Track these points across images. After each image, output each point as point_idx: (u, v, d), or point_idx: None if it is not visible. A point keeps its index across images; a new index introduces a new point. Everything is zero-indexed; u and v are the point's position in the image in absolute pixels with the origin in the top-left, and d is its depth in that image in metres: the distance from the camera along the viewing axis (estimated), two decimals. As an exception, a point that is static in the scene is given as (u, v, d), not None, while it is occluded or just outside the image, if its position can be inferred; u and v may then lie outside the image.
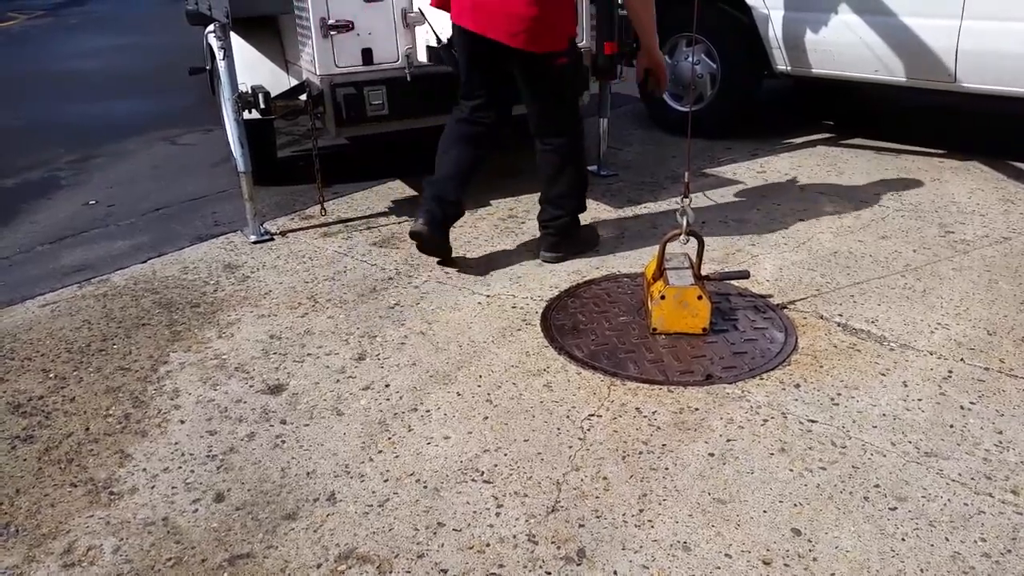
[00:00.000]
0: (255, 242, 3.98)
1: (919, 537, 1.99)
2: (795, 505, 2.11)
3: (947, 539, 1.98)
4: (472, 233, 4.00)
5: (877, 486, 2.17)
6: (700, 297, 2.88)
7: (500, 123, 3.60)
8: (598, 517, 2.10)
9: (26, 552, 2.06)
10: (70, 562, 2.03)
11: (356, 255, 3.79)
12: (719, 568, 1.93)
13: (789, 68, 4.99)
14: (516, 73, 3.41)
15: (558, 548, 2.00)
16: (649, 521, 2.08)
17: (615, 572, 1.93)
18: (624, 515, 2.10)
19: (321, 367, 2.85)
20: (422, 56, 3.87)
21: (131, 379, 2.83)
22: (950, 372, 2.68)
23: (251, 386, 2.76)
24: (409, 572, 1.95)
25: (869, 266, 3.46)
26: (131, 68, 9.38)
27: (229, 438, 2.48)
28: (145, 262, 3.82)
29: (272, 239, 4.02)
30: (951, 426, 2.40)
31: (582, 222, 3.76)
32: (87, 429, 2.56)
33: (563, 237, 3.64)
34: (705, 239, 3.03)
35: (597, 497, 2.17)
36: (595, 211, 4.22)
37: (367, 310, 3.25)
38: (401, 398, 2.65)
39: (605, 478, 2.24)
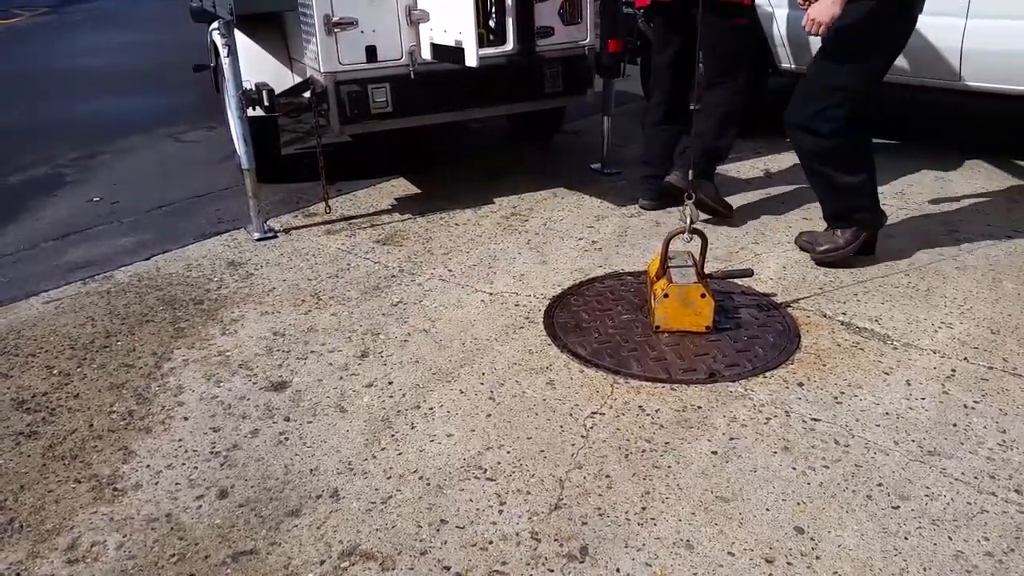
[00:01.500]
0: (259, 239, 3.98)
1: (922, 536, 1.99)
2: (798, 503, 2.11)
3: (950, 538, 1.98)
4: (475, 231, 4.00)
5: (880, 485, 2.17)
6: (703, 295, 2.88)
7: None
8: (601, 515, 2.10)
9: (30, 548, 2.07)
10: (74, 558, 2.03)
11: (359, 252, 3.80)
12: (722, 566, 1.93)
13: (793, 66, 4.98)
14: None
15: (561, 546, 2.01)
16: (652, 519, 2.08)
17: (618, 570, 1.93)
18: (627, 513, 2.10)
19: (324, 364, 2.86)
20: (426, 54, 3.87)
21: (135, 376, 2.83)
22: (953, 371, 2.67)
23: (254, 383, 2.76)
24: (412, 569, 1.96)
25: (872, 264, 3.45)
26: (135, 65, 9.40)
27: (232, 435, 2.49)
28: (149, 259, 3.83)
29: (276, 236, 4.03)
30: (954, 425, 2.40)
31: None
32: (91, 425, 2.56)
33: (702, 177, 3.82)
34: (708, 237, 3.03)
35: (600, 495, 2.17)
36: (599, 209, 4.22)
37: (370, 307, 3.26)
38: (404, 395, 2.65)
39: (608, 476, 2.24)
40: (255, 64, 4.29)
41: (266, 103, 3.95)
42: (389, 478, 2.27)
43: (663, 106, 4.10)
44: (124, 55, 10.24)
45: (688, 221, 2.92)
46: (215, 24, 4.18)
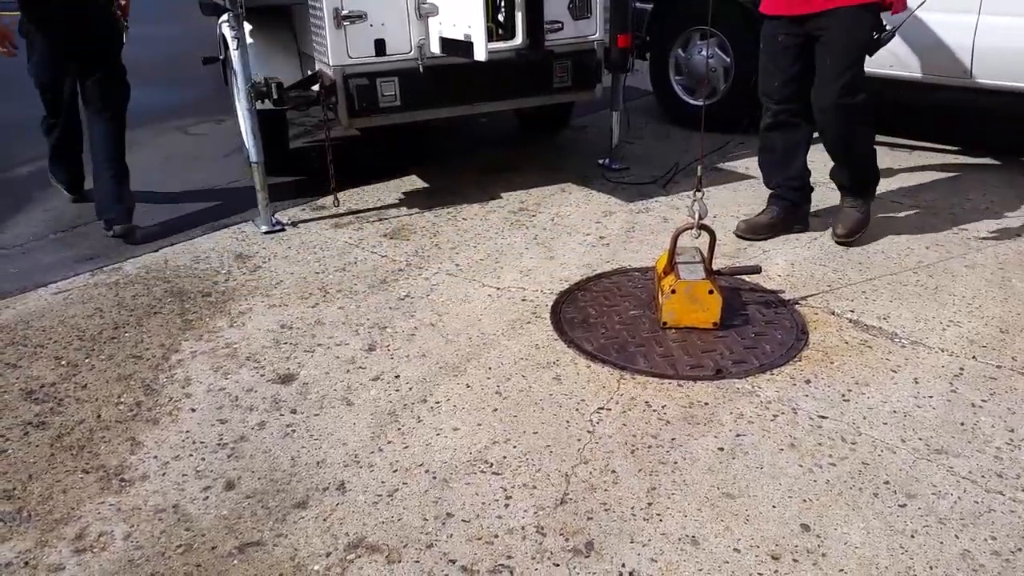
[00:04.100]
0: (266, 232, 3.99)
1: (929, 534, 1.99)
2: (804, 501, 2.11)
3: (957, 537, 1.98)
4: (482, 226, 4.00)
5: (887, 483, 2.16)
6: (711, 292, 2.87)
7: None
8: (607, 510, 2.10)
9: (38, 537, 2.08)
10: (82, 548, 2.04)
11: (367, 246, 3.80)
12: (727, 562, 1.93)
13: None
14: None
15: (566, 540, 2.01)
16: (658, 515, 2.08)
17: (623, 565, 1.93)
18: (632, 508, 2.10)
19: (331, 357, 2.86)
20: (435, 47, 3.86)
21: (143, 367, 2.84)
22: (961, 369, 2.66)
23: (262, 375, 2.77)
24: (418, 562, 1.96)
25: (881, 262, 3.44)
26: (143, 58, 9.36)
27: (240, 427, 2.50)
28: (157, 251, 3.83)
29: (283, 229, 4.04)
30: (962, 424, 2.39)
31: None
32: (99, 416, 2.57)
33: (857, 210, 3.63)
34: (717, 233, 3.02)
35: (606, 490, 2.17)
36: (607, 205, 4.22)
37: (377, 301, 3.26)
38: (411, 389, 2.66)
39: (614, 471, 2.24)
40: (264, 57, 4.30)
41: (275, 96, 3.95)
42: (395, 471, 2.27)
43: None
44: (132, 47, 10.15)
45: (696, 216, 2.92)
46: (225, 16, 4.18)
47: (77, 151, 4.44)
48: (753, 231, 3.75)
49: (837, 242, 3.61)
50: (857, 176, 3.61)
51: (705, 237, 2.95)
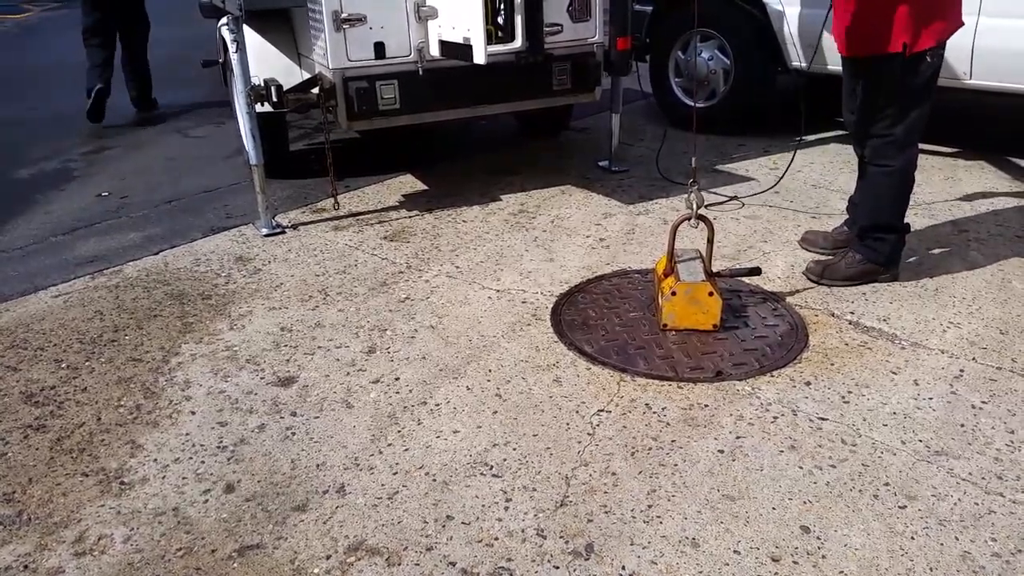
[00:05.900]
0: (267, 235, 3.99)
1: (929, 536, 1.99)
2: (804, 502, 2.11)
3: (957, 538, 1.98)
4: (482, 228, 4.00)
5: (887, 484, 2.16)
6: (711, 293, 2.87)
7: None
8: (607, 512, 2.10)
9: (38, 540, 2.08)
10: (81, 551, 2.04)
11: (367, 249, 3.80)
12: (728, 564, 1.93)
13: (803, 65, 4.96)
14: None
15: (566, 543, 2.01)
16: (658, 517, 2.08)
17: (623, 567, 1.93)
18: (633, 510, 2.10)
19: (331, 360, 2.86)
20: (434, 50, 3.86)
21: (142, 370, 2.84)
22: (962, 371, 2.66)
23: (262, 378, 2.77)
24: (418, 564, 1.96)
25: (881, 264, 3.43)
26: (144, 60, 9.39)
27: (239, 429, 2.50)
28: (157, 254, 3.84)
29: (283, 232, 4.04)
30: (962, 425, 2.39)
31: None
32: (99, 419, 2.57)
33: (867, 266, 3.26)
34: (717, 236, 3.02)
35: (606, 492, 2.17)
36: (606, 206, 4.22)
37: (377, 304, 3.26)
38: (411, 391, 2.66)
39: (614, 473, 2.24)
40: (264, 60, 4.30)
41: (274, 99, 3.95)
42: (395, 474, 2.27)
43: None
44: (133, 50, 10.23)
45: (694, 207, 2.92)
46: (224, 19, 4.18)
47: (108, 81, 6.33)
48: (811, 244, 3.60)
49: (803, 272, 3.36)
50: (862, 219, 3.28)
51: (704, 232, 2.94)
